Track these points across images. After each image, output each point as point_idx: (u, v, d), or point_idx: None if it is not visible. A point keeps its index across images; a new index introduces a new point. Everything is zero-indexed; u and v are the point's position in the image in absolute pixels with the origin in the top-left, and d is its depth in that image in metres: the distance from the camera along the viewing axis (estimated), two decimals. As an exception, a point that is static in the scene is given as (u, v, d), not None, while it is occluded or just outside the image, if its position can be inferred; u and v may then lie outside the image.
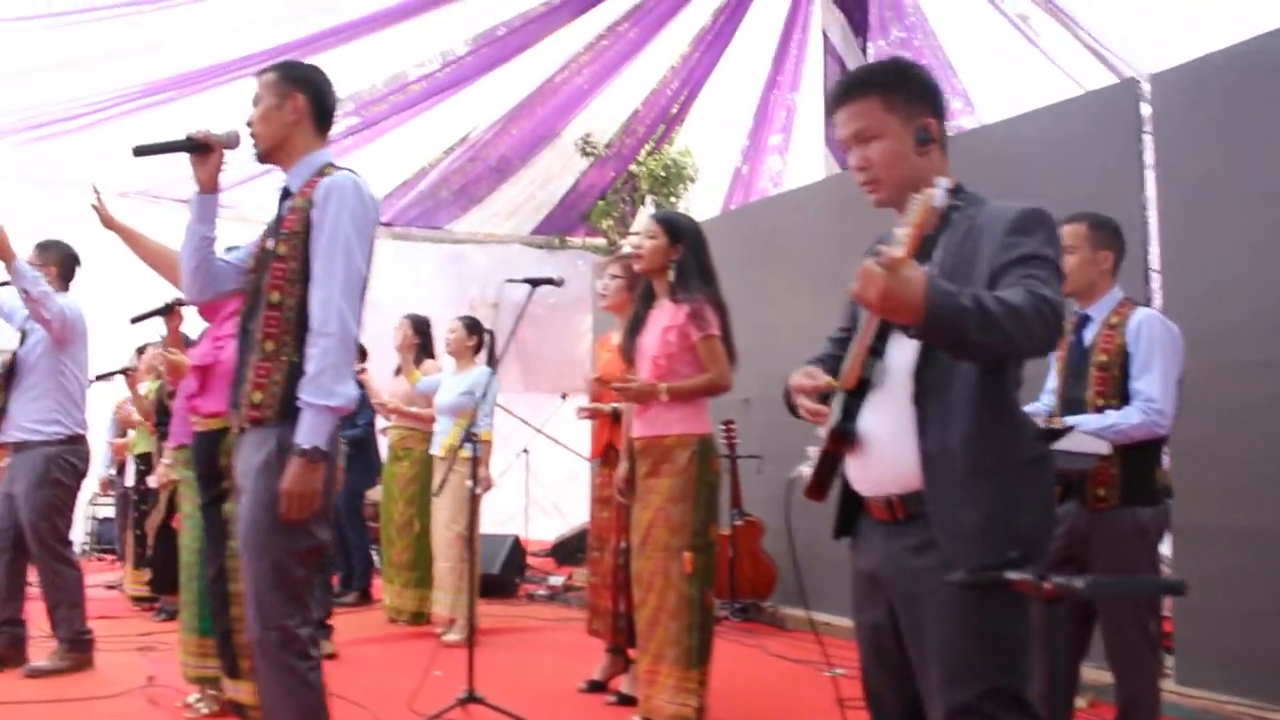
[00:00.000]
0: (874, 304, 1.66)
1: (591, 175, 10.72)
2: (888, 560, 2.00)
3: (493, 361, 6.05)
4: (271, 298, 2.69)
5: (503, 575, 7.37)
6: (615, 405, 4.61)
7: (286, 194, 2.81)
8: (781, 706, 4.55)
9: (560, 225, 11.42)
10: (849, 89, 2.07)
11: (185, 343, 4.70)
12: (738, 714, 4.35)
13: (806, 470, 2.11)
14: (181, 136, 2.82)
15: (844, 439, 2.00)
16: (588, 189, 10.92)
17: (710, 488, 3.88)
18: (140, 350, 7.06)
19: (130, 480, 7.29)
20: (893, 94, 2.04)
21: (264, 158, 2.85)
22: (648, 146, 10.56)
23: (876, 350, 1.98)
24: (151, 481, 6.33)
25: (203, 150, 2.81)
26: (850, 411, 2.00)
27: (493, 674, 4.47)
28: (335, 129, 3.05)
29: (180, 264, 2.91)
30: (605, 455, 4.77)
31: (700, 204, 10.77)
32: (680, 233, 4.01)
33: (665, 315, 3.95)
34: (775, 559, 6.51)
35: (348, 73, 9.25)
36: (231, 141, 2.85)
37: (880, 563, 2.02)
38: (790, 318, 6.50)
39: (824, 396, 2.06)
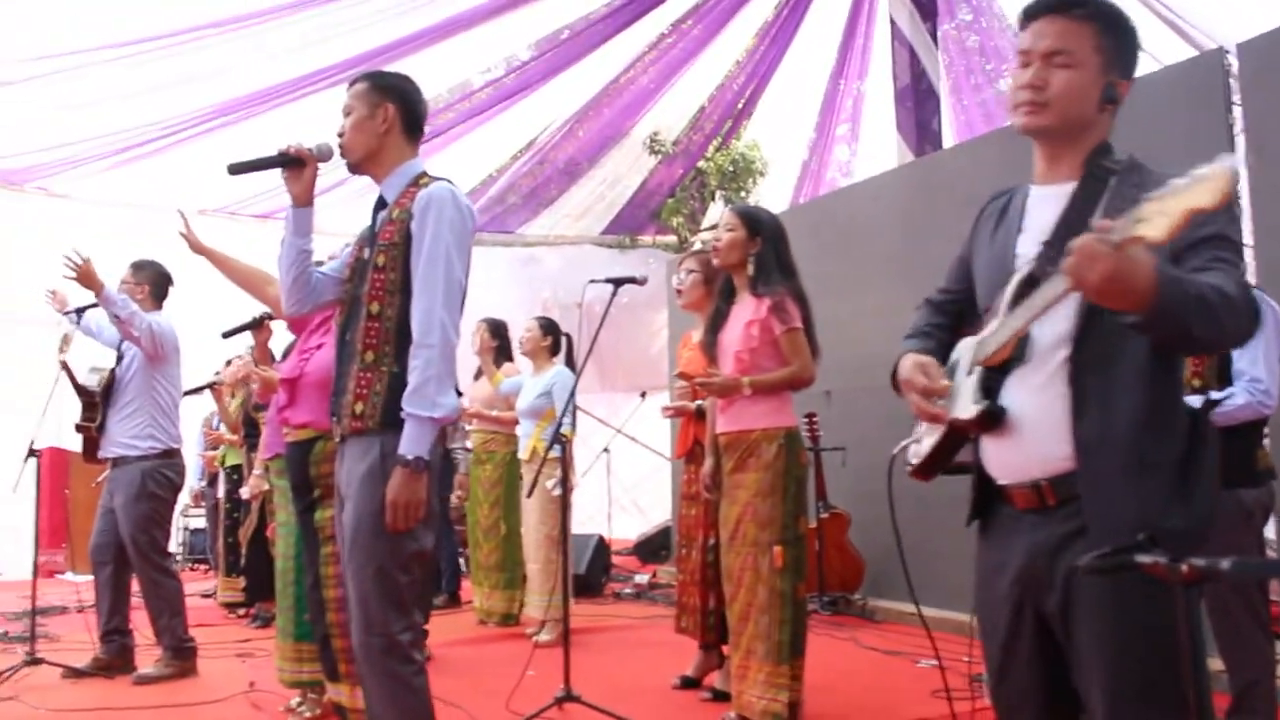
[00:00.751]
0: (1093, 286, 1.46)
1: (660, 173, 10.73)
2: (1033, 551, 1.80)
3: (571, 362, 6.08)
4: (371, 308, 2.72)
5: (589, 575, 7.42)
6: (699, 402, 4.60)
7: (381, 204, 2.84)
8: (877, 699, 4.50)
9: (630, 224, 11.44)
10: (1069, 4, 1.84)
11: (271, 357, 4.80)
12: (834, 708, 4.33)
13: (917, 448, 1.98)
14: (274, 152, 2.85)
15: (993, 421, 1.81)
16: (656, 187, 10.92)
17: (798, 481, 3.85)
18: (229, 364, 7.21)
19: (221, 491, 7.45)
20: (1110, 35, 1.84)
21: (356, 168, 2.87)
22: (715, 142, 10.53)
23: None
24: (244, 492, 6.46)
25: (296, 165, 2.83)
26: (991, 389, 1.82)
27: (586, 673, 4.49)
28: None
29: (279, 277, 2.94)
30: (691, 453, 4.76)
31: (769, 198, 10.74)
32: (759, 226, 3.99)
33: (747, 309, 3.93)
34: (862, 551, 6.46)
35: (414, 84, 9.41)
36: (324, 154, 2.87)
37: (1024, 553, 1.82)
38: (866, 308, 6.45)
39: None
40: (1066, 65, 1.81)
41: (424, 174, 2.83)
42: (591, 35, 8.94)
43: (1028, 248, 1.83)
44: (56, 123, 8.78)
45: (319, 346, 3.62)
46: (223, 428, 7.20)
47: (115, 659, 5.15)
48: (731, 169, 10.51)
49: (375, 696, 2.67)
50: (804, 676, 3.78)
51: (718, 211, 11.02)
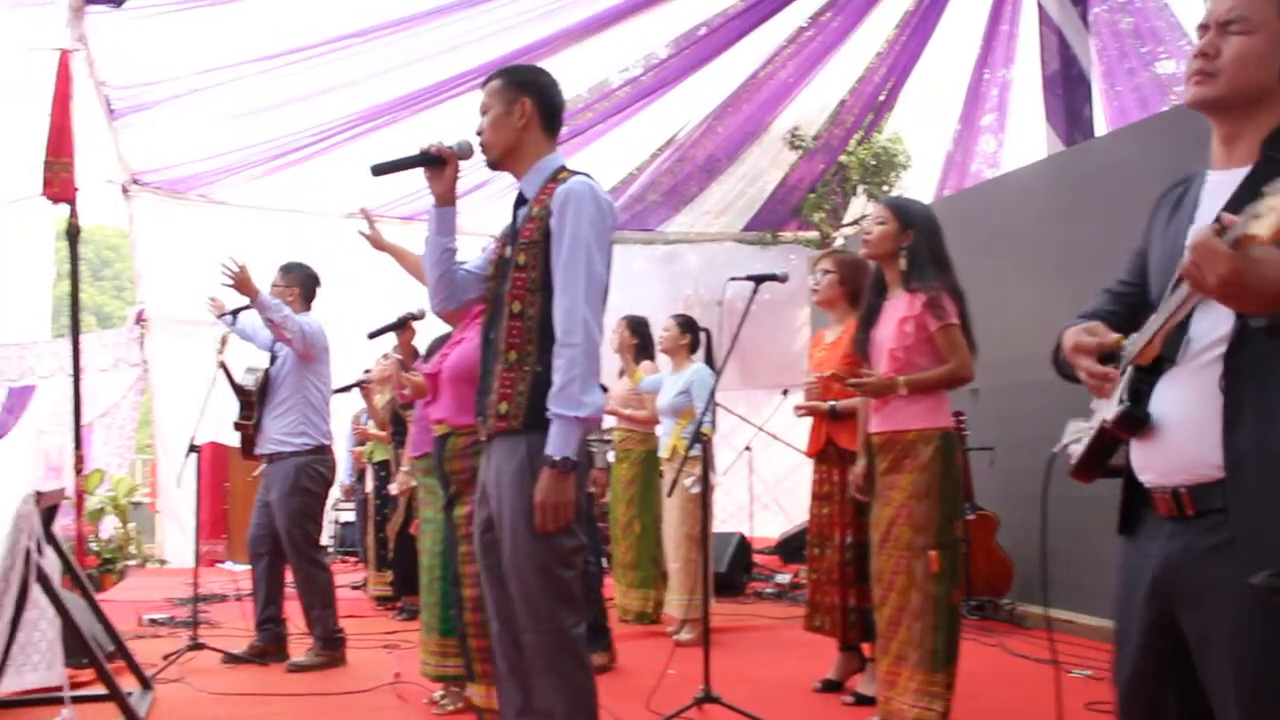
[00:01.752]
0: (1212, 289, 1.37)
1: (801, 169, 10.59)
2: (1169, 561, 1.71)
3: (711, 359, 6.06)
4: (513, 307, 2.73)
5: (730, 574, 7.38)
6: (833, 403, 4.53)
7: (521, 200, 2.85)
8: (1026, 710, 4.35)
9: (771, 221, 11.32)
10: None
11: (414, 355, 4.92)
12: (982, 717, 4.20)
13: (1075, 447, 1.88)
14: (415, 152, 2.90)
15: (1134, 425, 1.72)
16: (797, 182, 10.79)
17: (954, 483, 3.74)
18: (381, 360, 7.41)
19: (370, 487, 7.67)
20: None
21: (496, 165, 2.89)
22: (857, 136, 10.35)
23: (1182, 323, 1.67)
24: (392, 488, 6.63)
25: (437, 163, 2.88)
26: (1140, 392, 1.71)
27: (726, 673, 4.46)
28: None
29: (425, 275, 3.00)
30: (823, 452, 4.69)
31: (912, 192, 10.50)
32: (912, 218, 3.88)
33: (900, 305, 3.82)
34: (1011, 554, 6.27)
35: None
36: (465, 152, 2.91)
37: (1160, 562, 1.73)
38: (1016, 304, 6.26)
39: (1105, 357, 1.78)
40: (1245, 32, 1.68)
41: (563, 168, 2.83)
42: (729, 31, 8.88)
43: None
44: (214, 134, 9.17)
45: (459, 342, 3.68)
46: (371, 424, 7.40)
47: (270, 646, 5.37)
48: (874, 163, 10.30)
49: (546, 693, 2.68)
50: (955, 685, 3.68)
51: (860, 207, 10.84)
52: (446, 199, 2.92)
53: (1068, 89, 8.21)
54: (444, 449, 3.54)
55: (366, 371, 7.34)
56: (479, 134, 2.88)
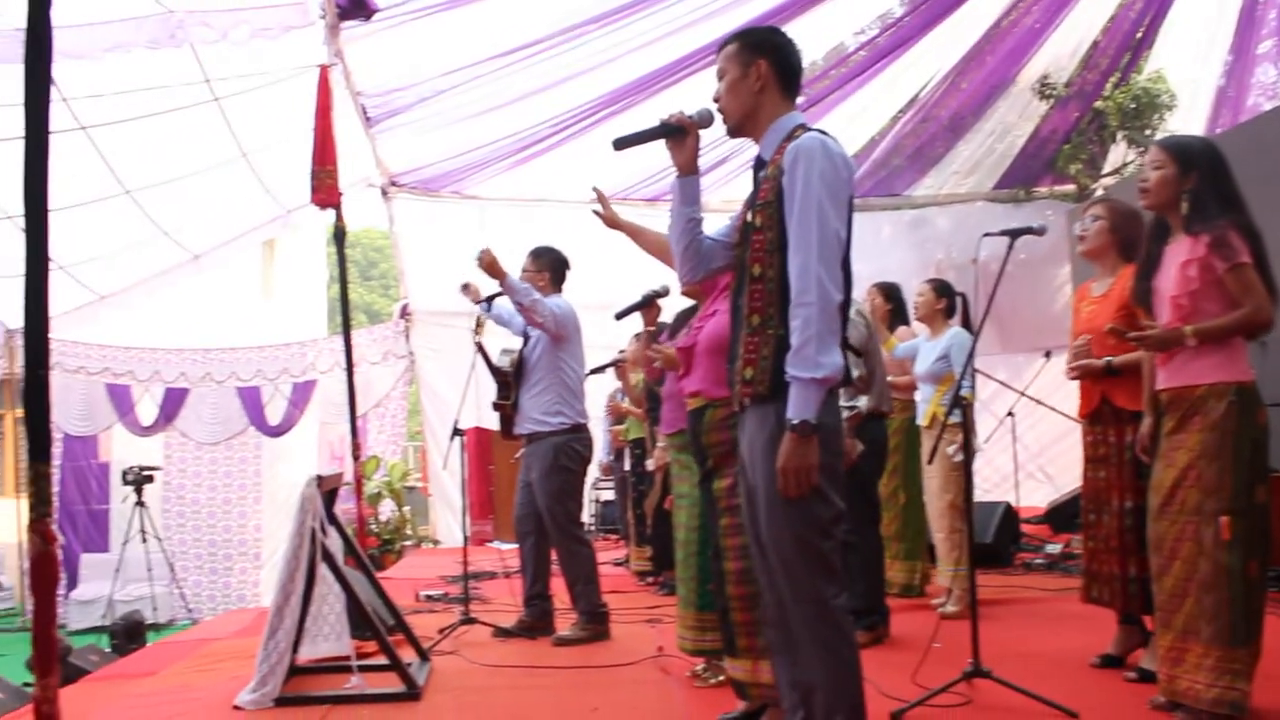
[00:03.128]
0: None
1: (1053, 119, 10.01)
2: None
3: (967, 323, 5.82)
4: (753, 271, 2.70)
5: (996, 544, 7.09)
6: (1109, 359, 4.23)
7: (760, 164, 2.80)
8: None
9: (1023, 177, 10.79)
10: None
11: (660, 332, 4.94)
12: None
13: None
14: (655, 124, 2.90)
15: None
16: (1050, 134, 10.22)
17: (1253, 443, 3.36)
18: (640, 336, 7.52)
19: (627, 465, 7.80)
20: None
21: (735, 132, 2.86)
22: (1113, 78, 9.68)
23: None
24: (649, 465, 6.72)
25: (678, 134, 2.87)
26: None
27: (995, 647, 4.25)
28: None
29: (671, 247, 3.00)
30: (1097, 413, 4.39)
31: (1180, 133, 9.78)
32: (1192, 158, 3.53)
33: (1182, 250, 3.48)
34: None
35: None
36: (705, 120, 2.89)
37: None
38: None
39: None
40: None
41: (800, 126, 2.75)
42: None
43: None
44: (462, 131, 9.55)
45: (712, 314, 3.66)
46: (626, 402, 7.51)
47: (537, 621, 5.53)
48: (1133, 106, 9.62)
49: (809, 664, 2.64)
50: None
51: (1119, 155, 10.18)
52: (689, 169, 2.91)
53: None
54: (701, 421, 3.53)
55: (621, 352, 7.48)
56: (716, 100, 2.85)
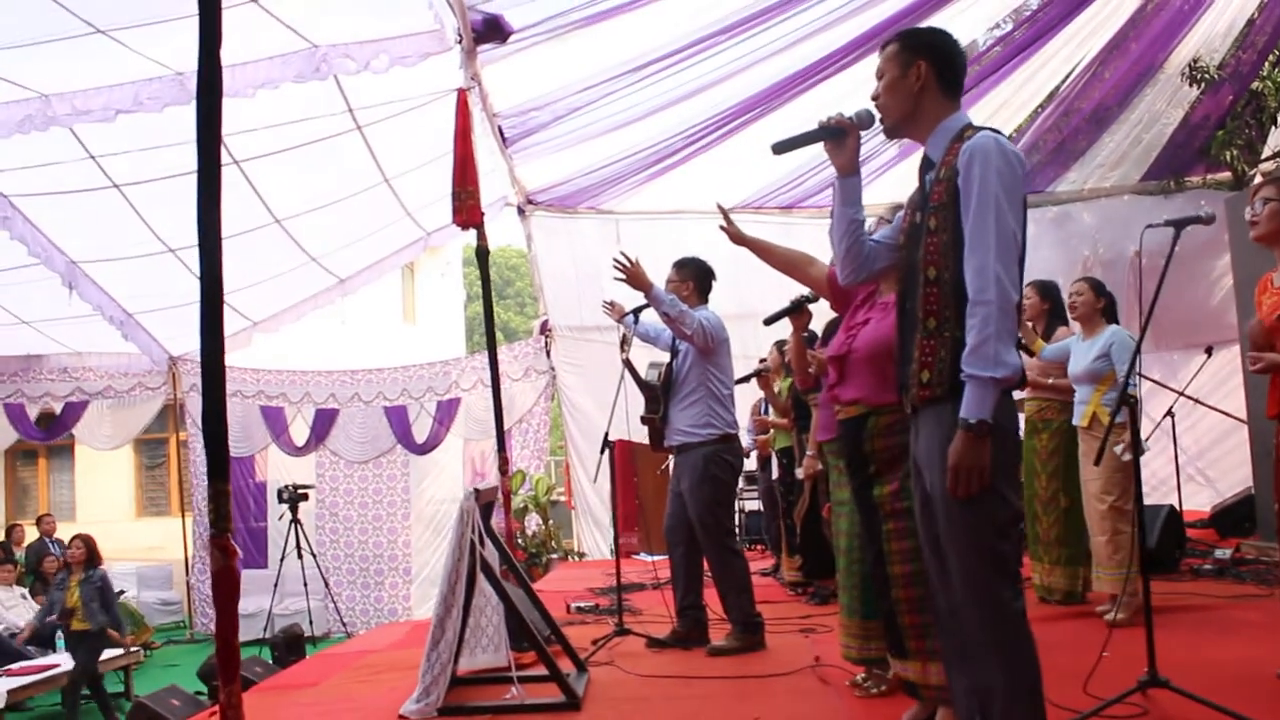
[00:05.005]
0: None
1: (1205, 104, 9.55)
2: None
3: (1116, 321, 5.65)
4: (928, 273, 2.67)
5: (1160, 549, 6.80)
6: (1298, 350, 4.01)
7: (928, 165, 2.78)
8: None
9: (1174, 166, 10.33)
10: None
11: (810, 340, 4.90)
12: None
13: None
14: (814, 127, 2.89)
15: None
16: (1202, 120, 9.76)
17: None
18: (779, 345, 7.47)
19: (774, 474, 7.74)
20: None
21: (893, 132, 2.86)
22: (1273, 56, 9.21)
23: None
24: (798, 473, 6.65)
25: (838, 135, 2.88)
26: None
27: (1169, 656, 4.06)
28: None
29: (833, 248, 3.00)
30: (1288, 409, 4.16)
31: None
32: None
33: None
34: None
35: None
36: (864, 121, 2.89)
37: None
38: None
39: None
40: None
41: (969, 126, 2.73)
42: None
43: None
44: (596, 147, 9.64)
45: (865, 322, 3.62)
46: (771, 412, 7.46)
47: (691, 631, 5.51)
48: (1294, 85, 9.16)
49: (987, 668, 2.59)
50: None
51: (1279, 138, 9.70)
52: (849, 170, 2.92)
53: None
54: (863, 429, 3.50)
55: (762, 361, 7.44)
56: (874, 99, 2.84)
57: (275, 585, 10.18)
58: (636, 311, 5.68)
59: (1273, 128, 9.65)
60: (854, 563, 4.14)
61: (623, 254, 5.31)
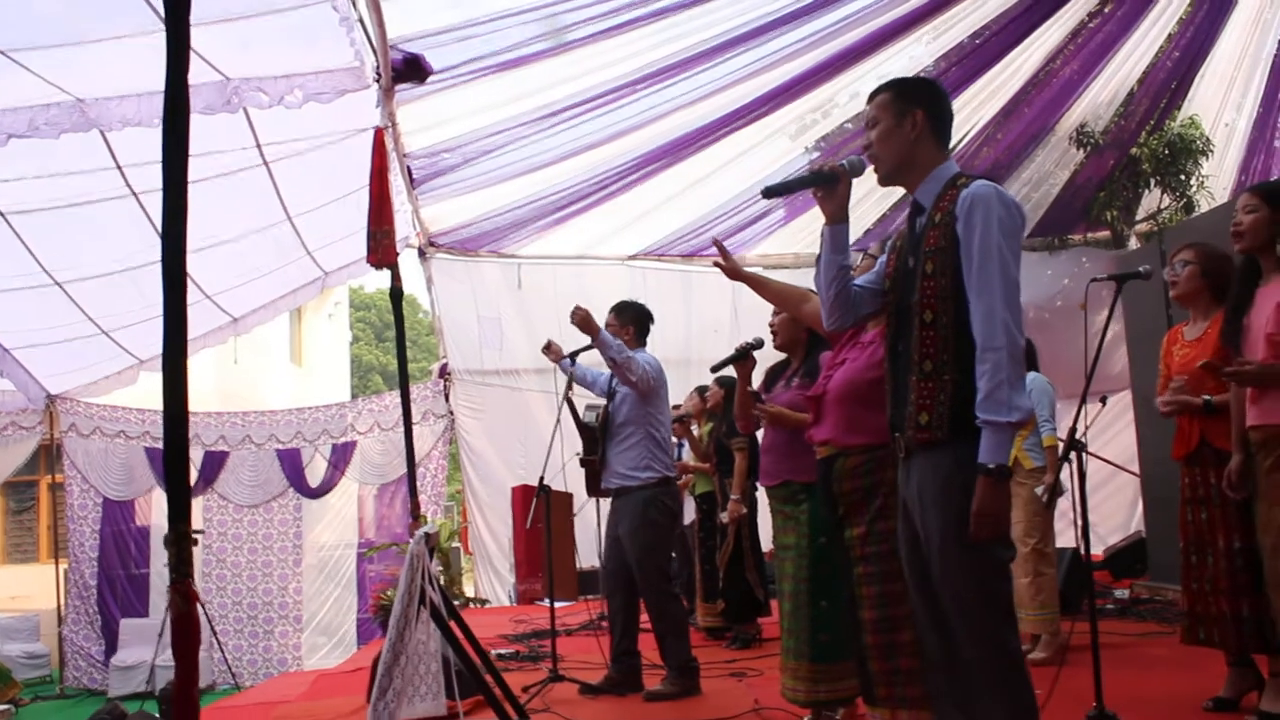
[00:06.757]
0: None
1: (1089, 167, 10.08)
2: None
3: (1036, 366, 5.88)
4: (925, 317, 2.71)
5: (1066, 590, 7.03)
6: (1208, 397, 4.26)
7: (918, 210, 2.85)
8: None
9: (1058, 225, 10.84)
10: None
11: (753, 389, 4.95)
12: None
13: None
14: (805, 172, 2.95)
15: None
16: (1085, 182, 10.29)
17: None
18: (700, 392, 7.50)
19: (688, 519, 7.74)
20: None
21: (886, 180, 2.91)
22: (1149, 125, 9.78)
23: None
24: (722, 518, 6.68)
25: (830, 182, 2.92)
26: None
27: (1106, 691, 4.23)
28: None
29: (820, 294, 3.04)
30: (1195, 454, 4.40)
31: (1214, 179, 9.89)
32: None
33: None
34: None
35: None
36: (856, 169, 2.95)
37: None
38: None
39: None
40: None
41: (961, 174, 2.80)
42: (1006, 35, 8.59)
43: None
44: (501, 192, 9.63)
45: (843, 362, 3.69)
46: (688, 457, 7.47)
47: (626, 677, 5.47)
48: (1167, 152, 9.72)
49: (989, 711, 2.62)
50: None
51: (1152, 201, 10.26)
52: (839, 217, 2.95)
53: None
54: (831, 470, 3.55)
55: (676, 407, 7.48)
56: (867, 148, 2.91)
57: (159, 635, 9.73)
58: (574, 355, 5.66)
59: (1146, 191, 10.21)
60: (802, 606, 4.17)
61: (576, 305, 5.30)
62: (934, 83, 2.98)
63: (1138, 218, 10.40)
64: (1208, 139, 9.66)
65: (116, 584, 11.38)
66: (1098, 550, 9.28)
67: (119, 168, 7.71)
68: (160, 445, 10.32)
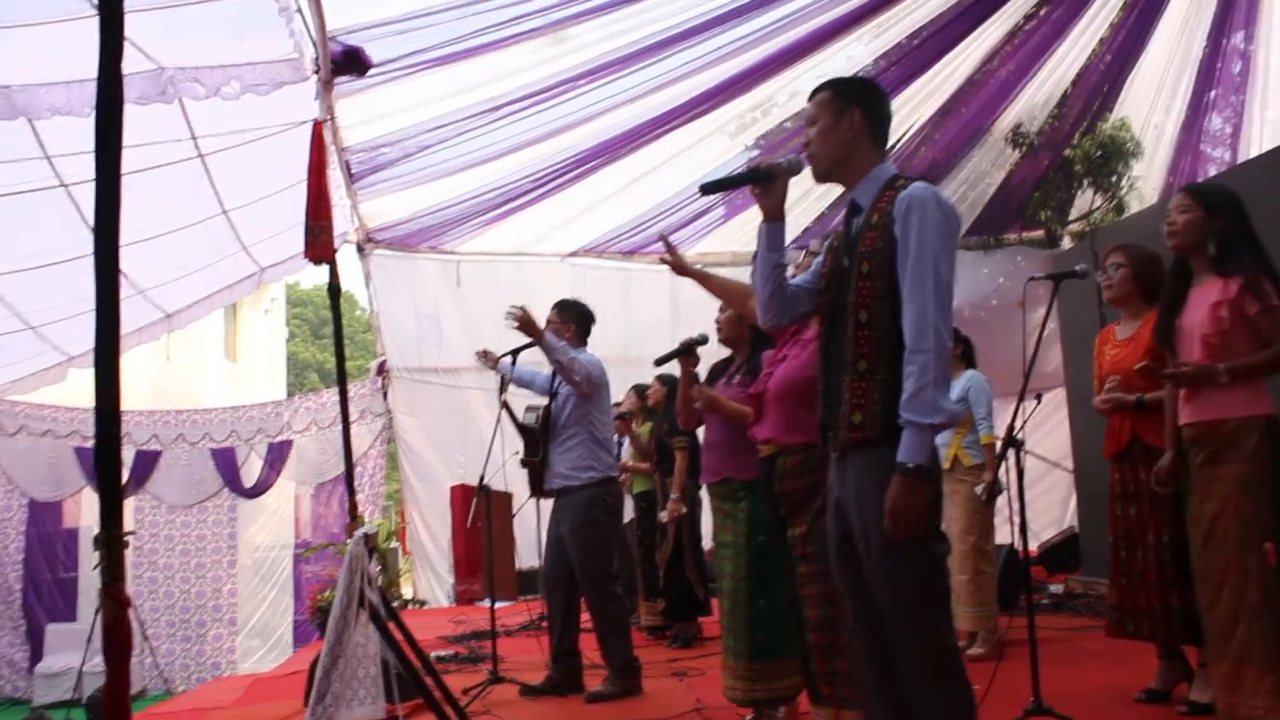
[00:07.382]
0: None
1: (1024, 168, 10.22)
2: None
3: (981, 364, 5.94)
4: (860, 317, 2.71)
5: (1003, 586, 7.12)
6: (1141, 394, 4.34)
7: (855, 210, 2.85)
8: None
9: (993, 225, 10.97)
10: None
11: (695, 382, 4.95)
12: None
13: None
14: (743, 170, 2.95)
15: None
16: (1020, 183, 10.44)
17: None
18: (639, 390, 7.48)
19: (627, 517, 7.72)
20: None
21: (823, 177, 2.91)
22: (1082, 128, 9.95)
23: None
24: (662, 516, 6.68)
25: (767, 180, 2.91)
26: None
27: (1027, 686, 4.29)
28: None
29: (755, 292, 3.03)
30: (1127, 450, 4.48)
31: (1143, 180, 10.07)
32: (1217, 202, 3.73)
33: (1213, 291, 3.66)
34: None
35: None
36: (794, 168, 2.94)
37: None
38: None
39: None
40: None
41: (899, 176, 2.81)
42: (944, 37, 8.69)
43: None
44: (442, 187, 9.54)
45: (783, 359, 3.69)
46: (628, 456, 7.45)
47: (566, 679, 5.44)
48: (1099, 153, 9.88)
49: (929, 710, 2.62)
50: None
51: (1085, 201, 10.43)
52: (775, 215, 2.94)
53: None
54: (772, 469, 3.55)
55: (617, 404, 7.45)
56: (805, 145, 2.91)
57: (88, 640, 9.52)
58: (515, 353, 5.61)
59: (1079, 191, 10.38)
60: (740, 605, 4.16)
61: (513, 305, 5.24)
62: (873, 83, 2.99)
63: (1070, 218, 10.55)
64: (1138, 141, 9.82)
65: (43, 588, 11.09)
66: (1032, 546, 9.42)
67: (48, 158, 7.50)
68: (90, 444, 10.19)
